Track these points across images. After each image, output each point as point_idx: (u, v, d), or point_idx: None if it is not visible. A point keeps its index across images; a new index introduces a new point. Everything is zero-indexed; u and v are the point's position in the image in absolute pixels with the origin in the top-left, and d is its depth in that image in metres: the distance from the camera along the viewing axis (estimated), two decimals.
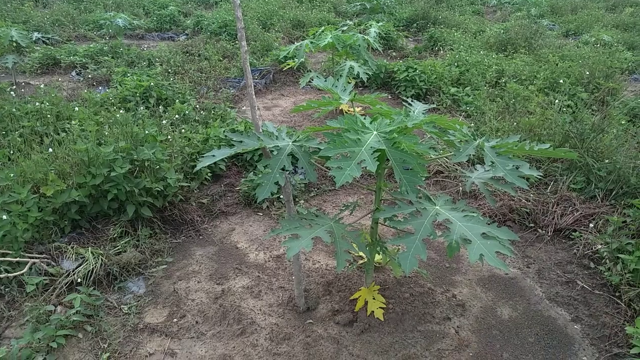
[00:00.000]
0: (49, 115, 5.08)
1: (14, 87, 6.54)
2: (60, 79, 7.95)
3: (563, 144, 5.00)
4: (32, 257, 3.43)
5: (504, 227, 2.36)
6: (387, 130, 2.44)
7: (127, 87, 6.37)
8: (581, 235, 4.04)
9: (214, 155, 2.63)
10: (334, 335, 3.11)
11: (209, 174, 4.88)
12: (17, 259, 3.33)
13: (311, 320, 3.24)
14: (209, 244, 4.14)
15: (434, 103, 7.21)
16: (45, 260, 3.47)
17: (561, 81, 7.02)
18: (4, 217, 3.35)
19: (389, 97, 8.08)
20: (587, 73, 7.26)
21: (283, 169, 2.60)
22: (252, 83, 2.72)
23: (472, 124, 6.04)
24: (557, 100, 6.02)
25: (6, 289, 3.31)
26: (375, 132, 2.44)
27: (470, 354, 2.99)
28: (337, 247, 2.55)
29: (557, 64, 7.93)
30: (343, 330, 3.15)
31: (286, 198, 2.95)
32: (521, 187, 2.42)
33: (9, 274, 3.24)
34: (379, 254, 3.23)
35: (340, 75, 5.90)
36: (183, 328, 3.18)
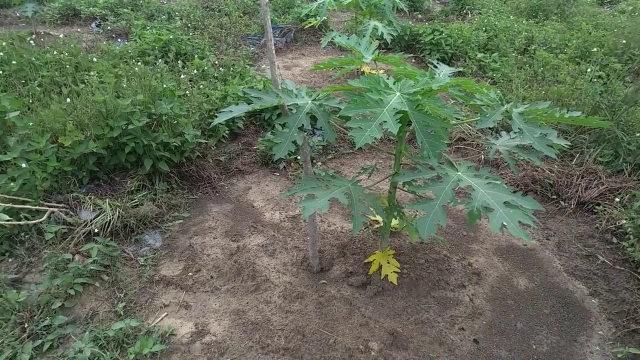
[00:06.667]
0: (68, 66, 5.05)
1: (34, 36, 6.49)
2: (80, 30, 7.89)
3: (592, 116, 4.82)
4: (51, 206, 3.47)
5: (528, 197, 2.28)
6: (411, 92, 2.34)
7: (147, 40, 6.29)
8: (605, 210, 3.93)
9: (231, 111, 2.56)
10: (346, 296, 3.11)
11: (227, 132, 4.83)
12: (37, 207, 3.37)
13: (324, 281, 3.24)
14: (225, 201, 4.14)
15: (459, 68, 6.98)
16: (64, 209, 3.51)
17: (594, 50, 6.72)
18: (24, 165, 3.37)
19: (413, 60, 7.86)
20: (624, 42, 6.92)
21: (301, 128, 2.53)
22: (272, 37, 2.62)
23: (499, 91, 5.84)
24: (588, 70, 5.77)
25: (26, 236, 3.37)
26: (398, 93, 2.34)
27: (484, 322, 2.97)
28: (353, 209, 2.50)
29: (590, 33, 7.57)
30: (356, 292, 3.15)
31: (303, 158, 2.89)
32: (548, 156, 2.32)
33: (29, 222, 3.28)
34: (395, 218, 3.19)
35: (364, 35, 5.72)
36: (198, 282, 3.21)
